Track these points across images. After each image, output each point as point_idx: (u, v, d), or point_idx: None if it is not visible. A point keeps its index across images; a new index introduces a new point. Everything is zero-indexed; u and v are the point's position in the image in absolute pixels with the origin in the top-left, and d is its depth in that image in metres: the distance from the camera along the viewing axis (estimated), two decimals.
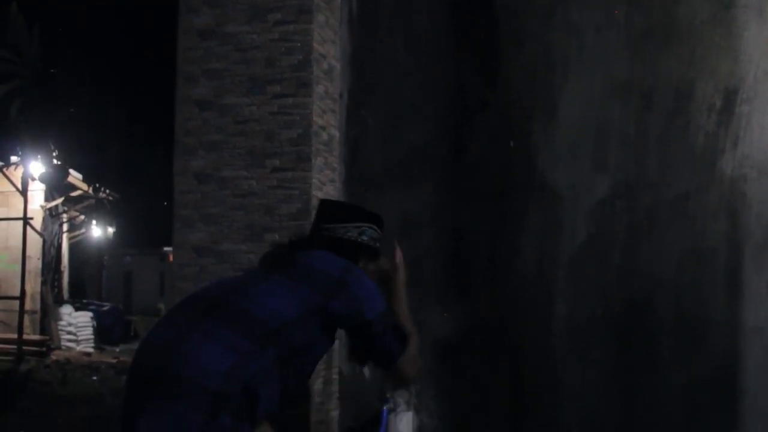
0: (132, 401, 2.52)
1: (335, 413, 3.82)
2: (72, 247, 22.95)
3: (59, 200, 19.58)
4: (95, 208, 21.08)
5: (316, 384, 3.59)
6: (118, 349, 19.57)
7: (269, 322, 2.63)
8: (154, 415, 2.42)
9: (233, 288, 2.83)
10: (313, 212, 3.61)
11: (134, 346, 20.08)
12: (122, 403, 2.58)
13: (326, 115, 3.83)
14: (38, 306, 18.89)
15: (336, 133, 3.96)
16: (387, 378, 2.97)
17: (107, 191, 19.93)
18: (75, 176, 18.54)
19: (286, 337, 2.65)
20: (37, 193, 18.64)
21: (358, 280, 2.83)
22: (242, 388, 2.52)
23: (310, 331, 2.74)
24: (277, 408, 2.65)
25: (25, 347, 16.25)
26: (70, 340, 19.10)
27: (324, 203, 3.27)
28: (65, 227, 21.44)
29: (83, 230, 23.38)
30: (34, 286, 18.63)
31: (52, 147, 15.77)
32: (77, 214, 21.55)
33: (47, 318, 18.87)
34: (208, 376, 2.48)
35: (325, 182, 3.78)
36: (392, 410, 3.82)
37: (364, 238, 3.07)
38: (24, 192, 17.15)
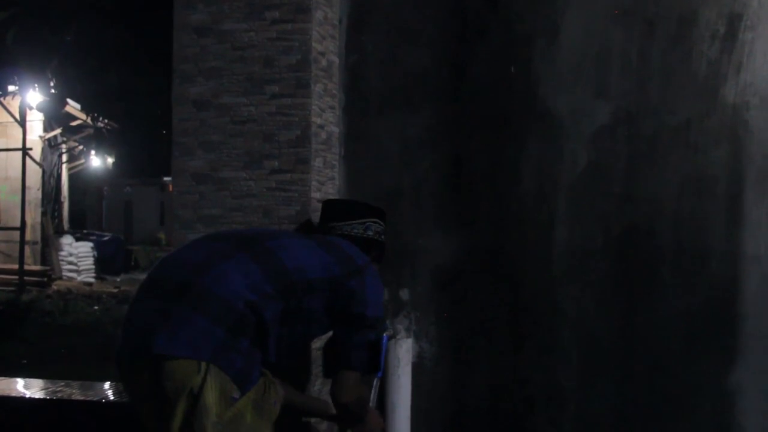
0: (148, 310, 2.55)
1: None
2: (72, 178, 23.03)
3: (58, 130, 19.54)
4: (94, 138, 21.02)
5: None
6: (119, 279, 19.74)
7: (293, 274, 2.70)
8: (175, 324, 2.45)
9: (268, 233, 2.95)
10: (313, 139, 3.61)
11: (135, 276, 20.24)
12: (132, 311, 2.60)
13: (325, 41, 3.79)
14: (39, 237, 18.99)
15: (335, 60, 3.93)
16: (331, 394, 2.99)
17: (106, 121, 19.85)
18: (73, 106, 18.45)
19: (298, 296, 2.72)
20: (35, 124, 18.62)
21: (374, 278, 2.95)
22: (257, 322, 2.56)
23: (317, 301, 2.81)
24: (274, 359, 2.69)
25: (26, 278, 16.39)
26: (71, 271, 19.24)
27: (327, 203, 3.42)
28: (64, 158, 21.44)
29: (83, 161, 23.41)
30: (34, 216, 18.73)
31: (50, 76, 15.65)
32: (76, 144, 21.51)
33: (48, 248, 18.98)
34: (235, 297, 2.54)
35: (325, 109, 3.76)
36: (392, 337, 3.85)
37: (369, 233, 3.20)
38: (22, 122, 17.10)
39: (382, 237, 3.26)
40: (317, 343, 3.36)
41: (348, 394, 2.88)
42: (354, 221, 3.17)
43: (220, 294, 2.48)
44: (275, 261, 2.65)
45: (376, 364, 3.01)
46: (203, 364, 2.40)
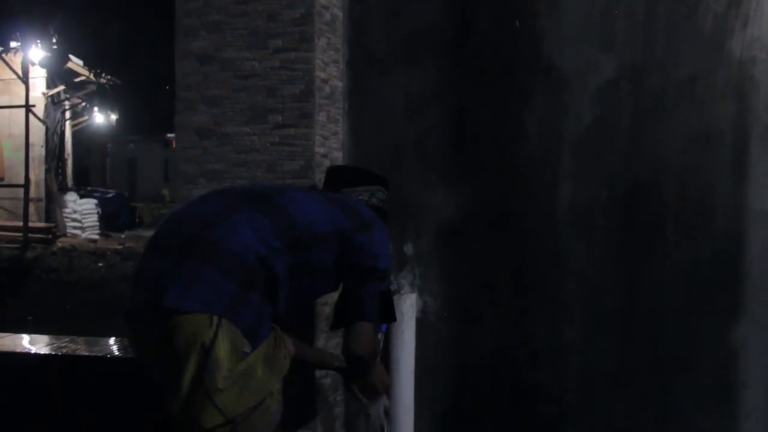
0: (157, 265, 2.55)
1: None
2: (75, 135, 23.00)
3: (61, 87, 19.47)
4: (97, 95, 20.97)
5: None
6: (123, 236, 19.80)
7: (300, 228, 2.70)
8: (186, 278, 2.45)
9: (275, 188, 2.96)
10: (317, 93, 3.59)
11: (139, 232, 20.30)
12: (141, 267, 2.60)
13: None
14: (43, 194, 19.03)
15: (339, 13, 3.90)
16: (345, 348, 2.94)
17: (109, 77, 19.77)
18: (76, 62, 18.38)
19: (305, 250, 2.72)
20: (38, 81, 18.58)
21: (381, 232, 2.93)
22: (267, 276, 2.56)
23: (325, 254, 2.80)
24: (284, 312, 2.69)
25: (30, 235, 16.44)
26: (75, 228, 19.29)
27: (332, 169, 3.42)
28: (68, 114, 21.39)
29: (86, 117, 23.37)
30: (38, 173, 18.75)
31: (52, 32, 15.60)
32: (79, 101, 21.46)
33: (52, 205, 19.02)
34: (246, 251, 2.54)
35: (329, 63, 3.74)
36: (396, 292, 3.85)
37: (374, 200, 3.22)
38: (25, 79, 17.04)
39: (386, 205, 3.28)
40: (322, 299, 3.36)
41: (364, 345, 2.88)
42: (359, 188, 3.18)
43: (230, 248, 2.48)
44: (283, 215, 2.65)
45: (390, 314, 2.99)
46: (215, 318, 2.39)
